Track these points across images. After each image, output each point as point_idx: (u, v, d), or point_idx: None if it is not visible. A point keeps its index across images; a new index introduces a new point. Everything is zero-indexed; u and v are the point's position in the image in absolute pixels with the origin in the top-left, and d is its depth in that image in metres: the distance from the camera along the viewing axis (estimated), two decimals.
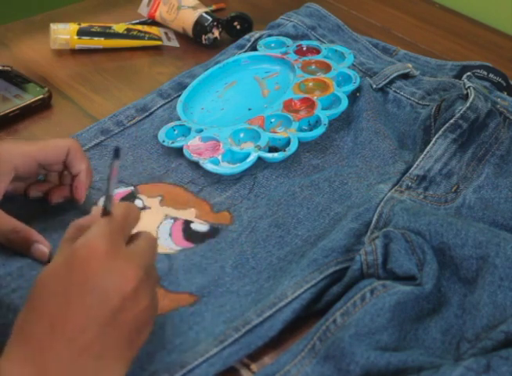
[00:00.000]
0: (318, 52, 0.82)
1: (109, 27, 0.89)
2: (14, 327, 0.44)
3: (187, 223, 0.63)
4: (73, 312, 0.43)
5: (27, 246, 0.57)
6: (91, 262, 0.44)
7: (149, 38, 0.90)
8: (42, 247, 0.57)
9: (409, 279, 0.55)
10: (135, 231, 0.49)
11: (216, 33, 0.90)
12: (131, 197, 0.65)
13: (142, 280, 0.45)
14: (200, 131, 0.71)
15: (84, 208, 0.61)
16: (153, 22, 0.94)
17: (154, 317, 0.48)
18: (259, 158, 0.68)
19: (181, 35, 0.92)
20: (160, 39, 0.90)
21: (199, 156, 0.68)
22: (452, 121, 0.68)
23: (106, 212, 0.47)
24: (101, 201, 0.64)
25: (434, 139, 0.68)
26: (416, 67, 0.82)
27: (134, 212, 0.49)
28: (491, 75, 0.79)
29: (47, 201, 0.62)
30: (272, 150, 0.69)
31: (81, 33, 0.87)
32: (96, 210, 0.49)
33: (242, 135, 0.70)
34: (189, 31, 0.91)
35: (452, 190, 0.66)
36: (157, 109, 0.77)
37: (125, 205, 0.49)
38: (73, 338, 0.43)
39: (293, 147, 0.68)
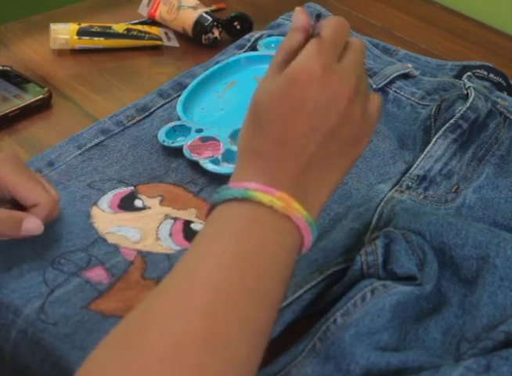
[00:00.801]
0: None
1: (110, 27, 0.89)
2: (239, 148, 0.49)
3: (187, 223, 0.63)
4: (295, 130, 0.47)
5: (17, 227, 0.55)
6: (309, 85, 0.47)
7: (149, 38, 0.90)
8: (33, 221, 0.56)
9: (409, 279, 0.55)
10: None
11: (216, 33, 0.90)
12: (131, 197, 0.65)
13: (354, 93, 0.48)
14: (200, 131, 0.71)
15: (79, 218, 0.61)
16: (153, 22, 0.94)
17: (370, 129, 0.51)
18: None
19: (181, 35, 0.92)
20: (160, 39, 0.90)
21: (199, 156, 0.68)
22: (452, 121, 0.68)
23: (314, 34, 0.50)
24: (101, 201, 0.64)
25: (434, 139, 0.68)
26: (416, 67, 0.82)
27: (342, 25, 0.51)
28: (491, 75, 0.79)
29: None
30: None
31: (81, 33, 0.87)
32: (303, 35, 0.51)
33: None
34: (189, 31, 0.91)
35: (453, 190, 0.66)
36: (157, 109, 0.77)
37: (334, 22, 0.51)
38: (299, 154, 0.47)
39: None
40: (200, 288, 0.42)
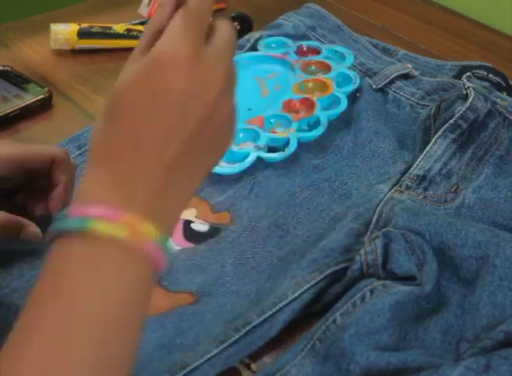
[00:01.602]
0: (318, 52, 0.82)
1: (110, 28, 0.89)
2: (90, 145, 0.41)
3: (187, 223, 0.64)
4: (157, 125, 0.40)
5: (18, 232, 0.56)
6: (175, 71, 0.40)
7: None
8: (33, 227, 0.56)
9: (409, 279, 0.55)
10: None
11: None
12: None
13: (224, 86, 0.41)
14: None
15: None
16: None
17: (233, 131, 0.44)
18: (259, 158, 0.68)
19: None
20: None
21: None
22: (451, 121, 0.68)
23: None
24: None
25: (433, 139, 0.68)
26: (415, 67, 0.82)
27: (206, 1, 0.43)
28: (490, 75, 0.79)
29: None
30: (271, 150, 0.69)
31: (82, 33, 0.87)
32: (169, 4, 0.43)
33: (241, 135, 0.70)
34: None
35: (452, 190, 0.66)
36: None
37: None
38: (157, 154, 0.39)
39: (292, 147, 0.68)
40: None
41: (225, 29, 0.44)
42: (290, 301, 0.55)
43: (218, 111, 0.42)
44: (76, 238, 0.37)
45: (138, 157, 0.39)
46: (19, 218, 0.57)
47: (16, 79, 0.79)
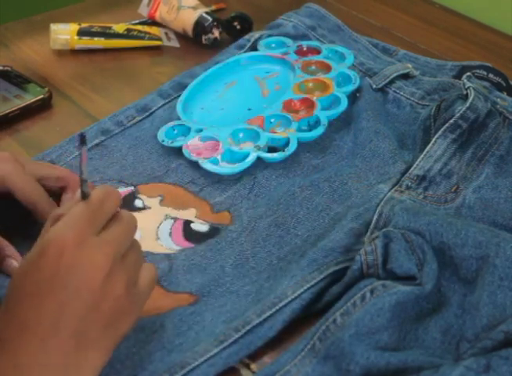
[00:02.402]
0: (318, 52, 0.82)
1: (110, 27, 0.89)
2: None
3: (187, 223, 0.64)
4: (45, 311, 0.42)
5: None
6: (60, 256, 0.42)
7: (149, 38, 0.90)
8: (14, 262, 0.56)
9: (409, 279, 0.55)
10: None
11: (216, 33, 0.90)
12: (131, 197, 0.66)
13: (112, 269, 0.44)
14: (200, 130, 0.71)
15: None
16: (153, 22, 0.94)
17: (137, 306, 0.47)
18: (259, 158, 0.68)
19: (181, 35, 0.92)
20: (160, 39, 0.90)
21: (198, 155, 0.68)
22: (451, 121, 0.68)
23: (84, 195, 0.46)
24: None
25: (433, 139, 0.68)
26: (416, 67, 0.82)
27: (112, 196, 0.47)
28: (490, 75, 0.79)
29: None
30: (271, 150, 0.69)
31: (81, 33, 0.87)
32: (75, 196, 0.47)
33: (241, 135, 0.70)
34: (189, 31, 0.91)
35: (452, 190, 0.66)
36: (157, 109, 0.77)
37: (102, 190, 0.47)
38: (45, 338, 0.42)
39: (292, 147, 0.68)
40: None
41: (125, 220, 0.47)
42: (290, 301, 0.55)
43: (106, 294, 0.44)
44: None
45: (25, 342, 0.41)
46: (2, 244, 0.56)
47: (16, 79, 0.79)
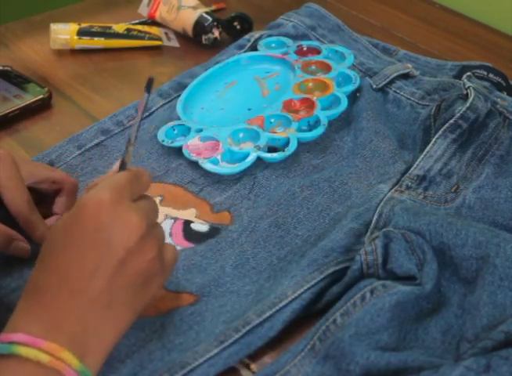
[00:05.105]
0: (318, 52, 0.82)
1: (110, 27, 0.89)
2: (27, 283, 0.45)
3: (187, 223, 0.64)
4: (81, 263, 0.44)
5: (7, 245, 0.56)
6: (98, 213, 0.44)
7: (149, 38, 0.90)
8: (22, 243, 0.57)
9: (409, 279, 0.55)
10: None
11: (216, 33, 0.90)
12: None
13: (146, 231, 0.46)
14: (200, 130, 0.71)
15: None
16: (153, 22, 0.94)
17: (165, 273, 0.49)
18: (259, 158, 0.68)
19: (181, 35, 0.92)
20: (160, 39, 0.90)
21: (198, 155, 0.68)
22: (451, 121, 0.68)
23: (123, 165, 0.49)
24: None
25: (433, 139, 0.68)
26: (416, 67, 0.82)
27: (145, 174, 0.50)
28: (491, 75, 0.79)
29: None
30: (271, 150, 0.69)
31: (81, 33, 0.87)
32: (115, 166, 0.51)
33: (241, 135, 0.70)
34: (189, 31, 0.91)
35: (452, 190, 0.66)
36: (157, 109, 0.77)
37: (138, 168, 0.50)
38: (81, 290, 0.43)
39: (292, 147, 0.68)
40: None
41: (152, 201, 0.50)
42: (290, 301, 0.55)
43: (140, 253, 0.45)
44: (8, 360, 0.41)
45: (62, 292, 0.43)
46: (11, 231, 0.56)
47: (16, 79, 0.79)
